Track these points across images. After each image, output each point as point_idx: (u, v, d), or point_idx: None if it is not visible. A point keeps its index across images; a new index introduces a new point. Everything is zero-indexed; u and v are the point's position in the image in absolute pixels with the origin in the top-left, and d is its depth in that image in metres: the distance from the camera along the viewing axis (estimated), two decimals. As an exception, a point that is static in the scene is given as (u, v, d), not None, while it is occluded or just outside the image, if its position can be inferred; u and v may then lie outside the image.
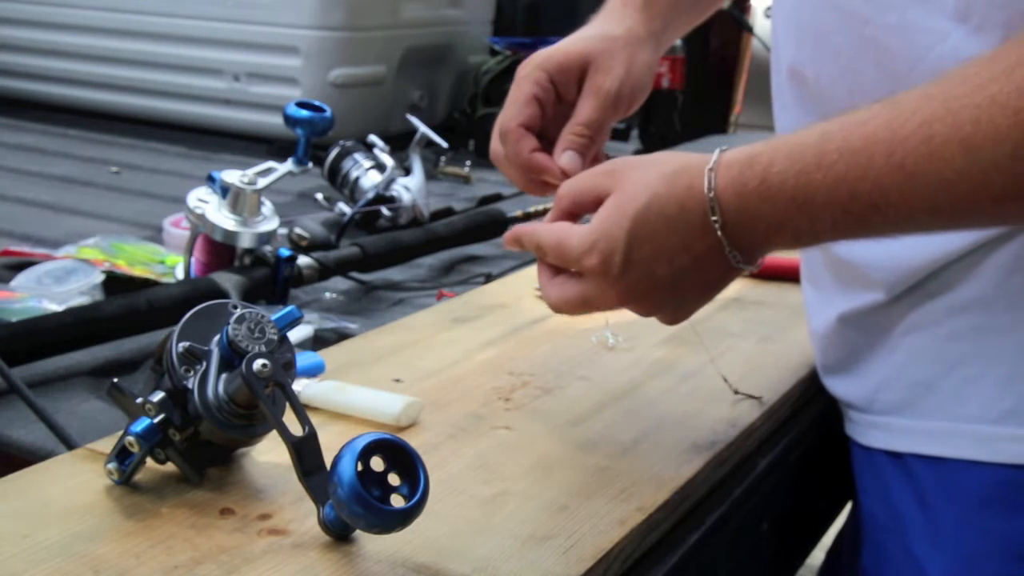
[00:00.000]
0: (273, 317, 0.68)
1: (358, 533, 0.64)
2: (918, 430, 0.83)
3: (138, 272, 1.24)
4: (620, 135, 2.50)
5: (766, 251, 0.69)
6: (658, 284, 0.70)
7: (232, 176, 1.11)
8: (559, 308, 0.75)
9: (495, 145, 0.85)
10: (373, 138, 1.62)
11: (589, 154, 0.82)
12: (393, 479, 0.61)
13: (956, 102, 0.59)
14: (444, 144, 1.75)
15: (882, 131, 0.61)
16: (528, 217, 1.51)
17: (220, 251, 1.13)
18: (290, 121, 1.16)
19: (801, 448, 0.95)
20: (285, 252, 1.15)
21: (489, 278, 1.32)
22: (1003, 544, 0.79)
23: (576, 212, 0.74)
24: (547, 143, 0.83)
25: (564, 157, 0.81)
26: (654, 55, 0.87)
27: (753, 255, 0.69)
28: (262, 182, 1.12)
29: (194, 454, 0.68)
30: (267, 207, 1.15)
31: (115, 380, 0.69)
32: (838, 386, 0.93)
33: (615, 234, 0.68)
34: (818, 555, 1.10)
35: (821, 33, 0.82)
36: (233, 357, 0.66)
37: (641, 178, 0.69)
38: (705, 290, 0.72)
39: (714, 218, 0.66)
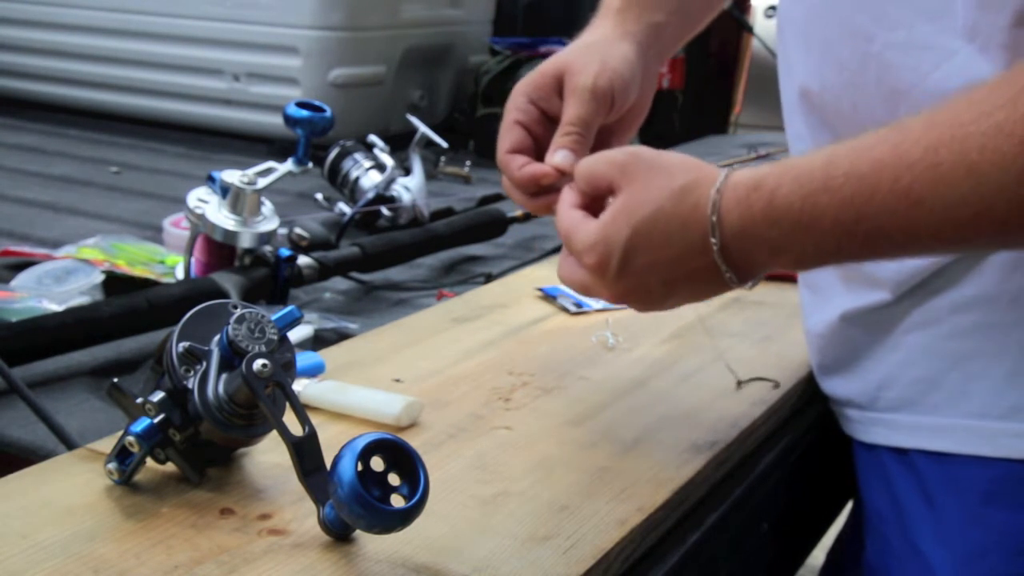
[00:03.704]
0: (273, 317, 0.68)
1: (358, 533, 0.64)
2: (922, 426, 0.84)
3: (138, 272, 1.24)
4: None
5: (765, 271, 0.71)
6: (651, 289, 0.72)
7: (232, 176, 1.11)
8: (564, 282, 0.78)
9: (503, 179, 0.87)
10: (373, 138, 1.62)
11: (583, 151, 0.82)
12: (393, 479, 0.61)
13: (961, 129, 0.60)
14: (444, 144, 1.75)
15: (888, 156, 0.62)
16: (528, 217, 1.51)
17: (220, 251, 1.13)
18: (290, 121, 1.16)
19: (801, 448, 0.95)
20: (285, 252, 1.15)
21: (489, 278, 1.32)
22: (1007, 539, 0.79)
23: (592, 195, 0.75)
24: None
25: (557, 156, 0.81)
26: (633, 51, 0.87)
27: (751, 274, 0.70)
28: (262, 182, 1.12)
29: (194, 454, 0.68)
30: (267, 207, 1.15)
31: (115, 380, 0.69)
32: (838, 385, 0.93)
33: (614, 241, 0.70)
34: (818, 555, 1.10)
35: (827, 47, 0.82)
36: (233, 357, 0.66)
37: (651, 187, 0.70)
38: (697, 296, 0.74)
39: (713, 240, 0.68)
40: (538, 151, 0.84)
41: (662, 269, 0.70)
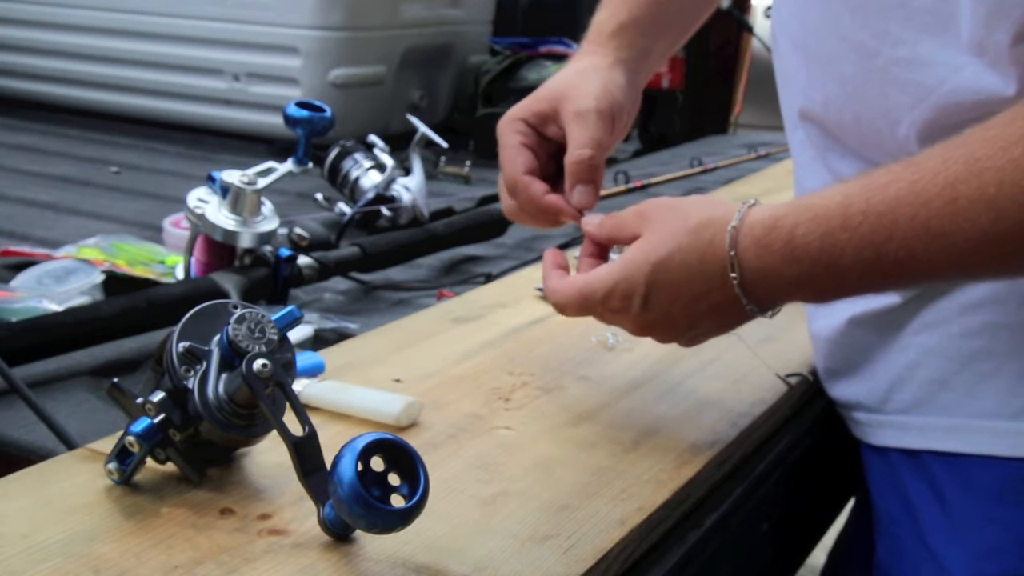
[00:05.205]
0: (273, 317, 0.68)
1: (358, 533, 0.64)
2: (933, 427, 0.84)
3: (138, 272, 1.24)
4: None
5: (785, 303, 0.74)
6: (674, 323, 0.75)
7: (232, 176, 1.11)
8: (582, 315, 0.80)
9: (506, 200, 0.88)
10: (373, 138, 1.62)
11: (599, 178, 0.84)
12: (393, 479, 0.61)
13: (978, 164, 0.61)
14: (444, 144, 1.75)
15: (905, 193, 0.64)
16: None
17: (220, 251, 1.13)
18: (290, 121, 1.16)
19: (801, 448, 0.95)
20: (285, 252, 1.15)
21: (489, 278, 1.32)
22: (1020, 537, 0.79)
23: (611, 243, 0.79)
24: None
25: (575, 194, 0.83)
26: (625, 79, 0.89)
27: (771, 306, 0.73)
28: (262, 182, 1.12)
29: (194, 454, 0.68)
30: (267, 207, 1.15)
31: (115, 380, 0.69)
32: (845, 389, 0.93)
33: (636, 279, 0.73)
34: (818, 555, 1.10)
35: (828, 62, 0.82)
36: (233, 357, 0.66)
37: (668, 227, 0.73)
38: (720, 328, 0.76)
39: (733, 275, 0.70)
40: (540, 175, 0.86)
41: (684, 303, 0.73)
